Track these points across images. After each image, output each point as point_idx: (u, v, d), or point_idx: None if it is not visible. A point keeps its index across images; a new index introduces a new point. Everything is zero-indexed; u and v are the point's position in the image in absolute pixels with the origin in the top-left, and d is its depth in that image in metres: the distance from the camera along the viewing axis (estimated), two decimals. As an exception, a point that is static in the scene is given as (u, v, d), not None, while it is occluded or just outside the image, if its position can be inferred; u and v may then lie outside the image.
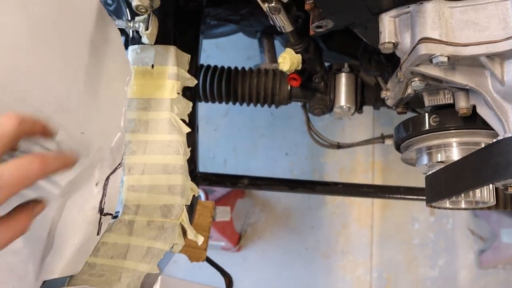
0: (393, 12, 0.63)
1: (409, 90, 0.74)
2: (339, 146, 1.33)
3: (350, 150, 1.99)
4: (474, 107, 0.64)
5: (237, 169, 2.09)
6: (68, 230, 0.72)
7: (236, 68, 1.19)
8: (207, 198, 1.72)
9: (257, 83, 1.14)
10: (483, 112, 0.63)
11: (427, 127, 0.70)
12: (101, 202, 0.76)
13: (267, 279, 1.98)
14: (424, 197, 0.70)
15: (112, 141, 0.76)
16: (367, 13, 0.64)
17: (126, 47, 0.91)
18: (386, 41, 0.63)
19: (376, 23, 0.65)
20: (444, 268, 1.85)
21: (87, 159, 0.71)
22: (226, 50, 2.17)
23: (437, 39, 0.56)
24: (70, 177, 0.69)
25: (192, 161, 0.91)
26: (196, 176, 0.96)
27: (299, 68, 0.98)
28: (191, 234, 0.83)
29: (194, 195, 0.90)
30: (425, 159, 0.74)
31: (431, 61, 0.56)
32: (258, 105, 1.19)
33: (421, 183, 0.76)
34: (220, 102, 1.20)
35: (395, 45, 0.63)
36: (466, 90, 0.64)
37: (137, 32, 0.86)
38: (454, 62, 0.58)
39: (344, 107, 1.12)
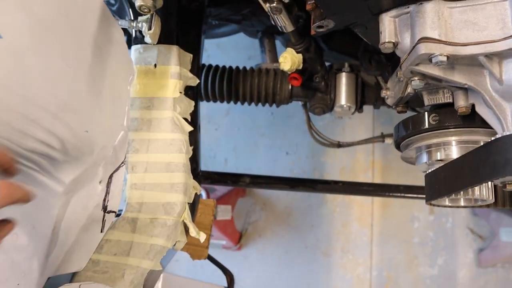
0: (393, 12, 0.63)
1: (409, 89, 0.75)
2: (339, 145, 1.34)
3: (350, 150, 1.99)
4: (473, 106, 0.65)
5: (238, 168, 2.09)
6: (72, 227, 0.73)
7: (237, 67, 1.20)
8: (208, 197, 1.73)
9: (258, 82, 1.15)
10: (482, 110, 0.63)
11: (426, 125, 0.71)
12: (104, 199, 0.77)
13: (268, 278, 1.98)
14: (424, 196, 0.71)
15: (116, 140, 0.77)
16: (368, 13, 0.65)
17: (129, 46, 0.91)
18: (386, 40, 0.64)
19: (376, 23, 0.66)
20: (443, 267, 1.86)
21: (90, 157, 0.72)
22: (227, 50, 2.17)
23: (437, 39, 0.57)
24: (74, 175, 0.70)
25: (194, 160, 0.92)
26: (198, 174, 0.97)
27: (300, 67, 0.99)
28: (193, 231, 0.84)
29: (196, 193, 0.91)
30: (424, 158, 0.75)
31: (430, 60, 0.57)
32: (259, 104, 1.20)
33: (421, 182, 0.77)
34: (222, 101, 1.21)
35: (395, 44, 0.64)
36: (465, 89, 0.65)
37: (140, 32, 0.87)
38: (453, 62, 0.58)
39: (345, 106, 1.13)
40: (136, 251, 0.79)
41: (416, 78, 0.64)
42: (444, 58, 0.56)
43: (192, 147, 0.90)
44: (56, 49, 0.60)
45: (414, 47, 0.58)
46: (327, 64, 1.15)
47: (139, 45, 0.91)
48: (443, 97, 0.70)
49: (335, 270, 1.94)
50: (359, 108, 1.16)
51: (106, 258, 0.79)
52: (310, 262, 1.96)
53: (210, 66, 1.20)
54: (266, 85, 1.15)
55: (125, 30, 0.91)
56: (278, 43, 1.28)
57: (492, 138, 0.55)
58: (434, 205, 0.74)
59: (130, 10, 0.91)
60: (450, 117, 0.69)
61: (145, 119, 0.87)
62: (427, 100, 0.72)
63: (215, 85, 1.17)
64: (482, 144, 0.67)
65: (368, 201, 1.97)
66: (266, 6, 0.76)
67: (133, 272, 0.77)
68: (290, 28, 0.86)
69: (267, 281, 1.98)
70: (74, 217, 0.73)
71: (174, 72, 0.88)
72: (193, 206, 0.94)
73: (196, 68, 0.96)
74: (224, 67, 1.20)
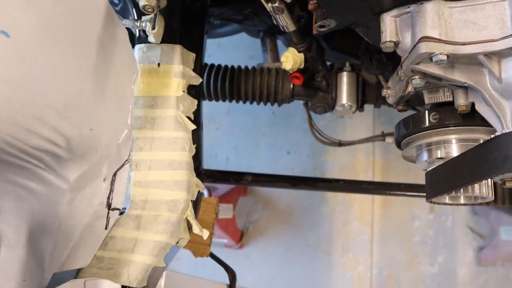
0: (394, 12, 0.64)
1: (410, 88, 0.76)
2: (340, 144, 1.35)
3: (351, 149, 2.00)
4: (473, 104, 0.66)
5: (239, 168, 2.10)
6: (77, 224, 0.74)
7: (239, 67, 1.21)
8: (210, 195, 1.74)
9: (260, 81, 1.16)
10: (482, 109, 0.64)
11: (427, 124, 0.72)
12: (108, 197, 0.78)
13: (269, 276, 1.99)
14: (424, 194, 0.72)
15: (120, 138, 0.78)
16: (369, 13, 0.66)
17: (133, 45, 0.92)
18: (387, 40, 0.64)
19: (377, 22, 0.67)
20: (443, 265, 1.87)
21: (95, 155, 0.73)
22: (227, 50, 2.18)
23: (437, 38, 0.58)
24: (79, 173, 0.71)
25: (197, 158, 0.93)
26: (201, 172, 0.98)
27: (302, 67, 1.00)
28: (196, 228, 0.85)
29: (199, 191, 0.92)
30: (425, 156, 0.76)
31: (431, 59, 0.58)
32: (260, 104, 1.21)
33: (421, 181, 0.77)
34: (224, 100, 1.22)
35: (396, 44, 0.65)
36: (465, 88, 0.66)
37: (144, 31, 0.88)
38: (453, 61, 0.59)
39: (346, 105, 1.14)
40: (140, 247, 0.80)
41: (416, 77, 0.65)
42: (444, 57, 0.57)
43: (195, 145, 0.91)
44: (62, 48, 0.61)
45: (414, 46, 0.59)
46: (328, 63, 1.16)
47: (142, 45, 0.92)
48: (443, 96, 0.71)
49: (335, 268, 1.95)
50: (360, 107, 1.17)
51: (110, 254, 0.80)
52: (311, 261, 1.97)
53: (212, 65, 1.21)
54: (268, 84, 1.16)
55: (128, 30, 0.92)
56: (279, 42, 1.29)
57: (492, 136, 0.56)
58: (434, 202, 0.75)
59: (134, 9, 0.92)
60: (450, 115, 0.70)
61: (149, 117, 0.88)
62: (428, 99, 0.73)
63: (217, 84, 1.18)
64: (481, 142, 0.69)
65: (368, 200, 1.98)
66: (268, 6, 0.77)
67: (137, 268, 0.78)
68: (292, 27, 0.87)
69: (269, 279, 1.99)
70: (79, 214, 0.74)
71: (177, 71, 0.89)
72: (196, 204, 0.94)
73: (199, 67, 0.97)
74: (226, 66, 1.21)
